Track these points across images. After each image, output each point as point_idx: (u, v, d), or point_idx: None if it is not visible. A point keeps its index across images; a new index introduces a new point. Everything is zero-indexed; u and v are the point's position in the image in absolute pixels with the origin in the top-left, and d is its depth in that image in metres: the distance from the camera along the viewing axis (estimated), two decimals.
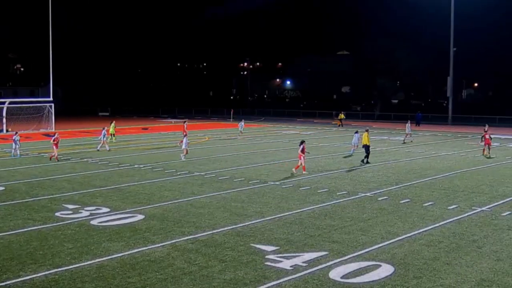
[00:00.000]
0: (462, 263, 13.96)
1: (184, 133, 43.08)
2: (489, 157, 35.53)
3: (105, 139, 39.20)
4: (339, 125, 66.29)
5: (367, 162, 31.73)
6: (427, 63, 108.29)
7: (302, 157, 28.13)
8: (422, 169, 30.15)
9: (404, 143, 44.84)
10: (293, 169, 28.39)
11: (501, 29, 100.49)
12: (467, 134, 55.97)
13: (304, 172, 27.91)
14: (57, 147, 33.10)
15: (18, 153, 35.01)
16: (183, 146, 34.03)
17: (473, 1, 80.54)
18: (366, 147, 32.23)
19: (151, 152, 38.15)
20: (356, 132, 36.84)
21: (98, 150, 38.10)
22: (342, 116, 69.16)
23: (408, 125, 47.54)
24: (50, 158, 33.03)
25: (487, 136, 36.97)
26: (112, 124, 46.81)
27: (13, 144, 34.96)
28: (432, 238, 16.22)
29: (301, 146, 28.37)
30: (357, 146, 35.77)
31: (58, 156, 33.19)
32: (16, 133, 36.60)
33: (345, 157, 35.38)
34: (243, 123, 52.82)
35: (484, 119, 72.27)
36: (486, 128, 39.93)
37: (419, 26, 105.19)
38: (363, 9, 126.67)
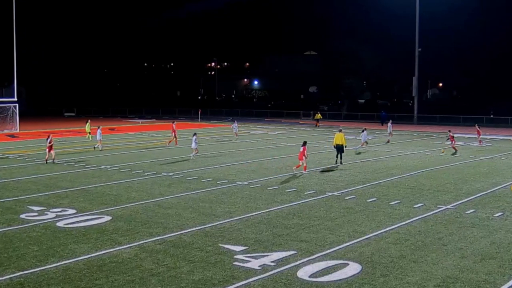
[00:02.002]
0: (428, 261, 14.16)
1: (174, 133, 42.88)
2: (454, 154, 36.97)
3: (100, 138, 39.19)
4: (317, 126, 66.46)
5: (341, 163, 31.48)
6: (393, 63, 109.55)
7: (304, 158, 28.17)
8: (388, 168, 30.48)
9: (388, 142, 45.18)
10: (293, 168, 28.51)
11: (465, 29, 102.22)
12: (432, 133, 56.78)
13: (304, 172, 28.10)
14: (51, 149, 32.00)
15: None
16: (193, 146, 33.91)
17: (438, 2, 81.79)
18: (340, 147, 31.80)
19: (118, 152, 37.81)
20: (364, 130, 39.99)
21: (94, 148, 38.91)
22: (319, 116, 69.28)
23: (389, 125, 48.36)
24: (46, 161, 31.79)
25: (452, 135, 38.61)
26: (88, 124, 47.65)
27: None
28: (399, 236, 16.42)
29: (303, 148, 28.33)
30: (366, 143, 39.46)
31: (48, 159, 32.04)
32: None
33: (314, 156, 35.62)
34: (236, 124, 49.89)
35: (449, 118, 73.64)
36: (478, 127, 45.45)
37: (385, 27, 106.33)
38: (330, 10, 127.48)
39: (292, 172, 28.22)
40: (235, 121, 50.95)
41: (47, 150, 32.14)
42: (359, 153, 37.72)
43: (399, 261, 14.13)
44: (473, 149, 41.32)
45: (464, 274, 13.22)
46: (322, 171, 29.27)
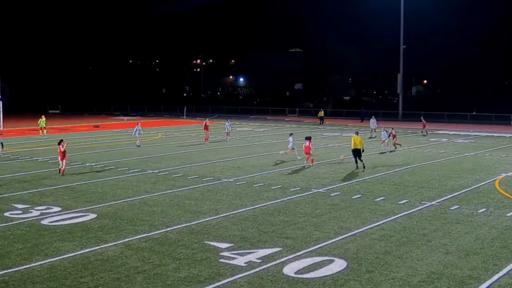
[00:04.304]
0: (412, 257, 14.24)
1: (206, 130, 42.94)
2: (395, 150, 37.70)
3: (138, 134, 39.40)
4: (320, 123, 66.15)
5: (361, 167, 28.52)
6: (378, 60, 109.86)
7: (310, 151, 29.57)
8: (373, 164, 30.57)
9: (371, 138, 45.65)
10: (305, 162, 29.97)
11: (450, 27, 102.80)
12: (416, 130, 57.01)
13: (311, 164, 29.73)
14: (64, 157, 26.90)
15: None
16: (289, 146, 32.83)
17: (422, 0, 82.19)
18: (358, 152, 28.75)
19: (104, 150, 37.63)
20: (385, 131, 38.70)
21: (138, 146, 38.88)
22: (321, 113, 68.67)
23: (373, 120, 48.70)
24: (60, 172, 26.94)
25: (393, 132, 39.28)
26: (43, 119, 48.43)
27: None
28: (384, 233, 16.49)
29: (309, 142, 29.57)
30: (387, 143, 38.05)
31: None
32: None
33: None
34: (230, 123, 45.97)
35: (433, 115, 74.04)
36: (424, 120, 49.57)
37: (370, 24, 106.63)
38: (315, 7, 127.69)
39: (282, 165, 28.22)
40: (229, 120, 47.92)
41: (60, 158, 27.13)
42: (384, 153, 37.78)
43: (384, 257, 14.20)
44: (457, 145, 41.61)
45: (449, 269, 13.31)
46: (302, 166, 29.29)
